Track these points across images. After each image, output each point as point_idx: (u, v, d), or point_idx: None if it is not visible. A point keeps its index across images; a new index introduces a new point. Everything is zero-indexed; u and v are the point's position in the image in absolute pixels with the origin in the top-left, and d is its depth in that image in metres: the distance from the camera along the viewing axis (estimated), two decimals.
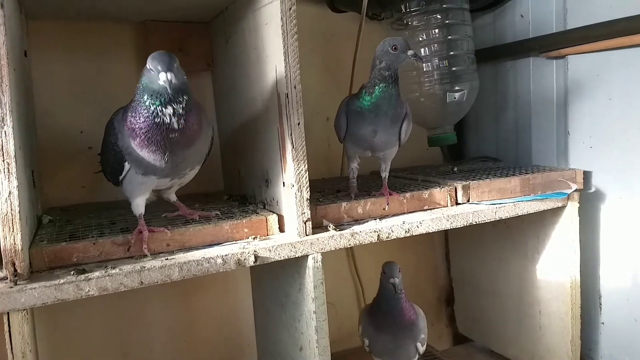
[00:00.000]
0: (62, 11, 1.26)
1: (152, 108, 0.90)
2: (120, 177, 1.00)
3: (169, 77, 0.87)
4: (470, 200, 1.32)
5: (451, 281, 1.95)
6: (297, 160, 1.05)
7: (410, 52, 1.10)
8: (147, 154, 0.94)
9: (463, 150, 1.91)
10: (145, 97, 0.90)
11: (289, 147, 1.05)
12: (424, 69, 1.54)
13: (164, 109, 0.90)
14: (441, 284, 1.97)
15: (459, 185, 1.31)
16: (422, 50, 1.54)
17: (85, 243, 0.95)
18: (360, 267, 1.76)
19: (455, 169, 1.57)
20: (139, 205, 1.02)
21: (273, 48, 1.06)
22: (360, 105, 1.14)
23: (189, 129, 0.93)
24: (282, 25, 1.01)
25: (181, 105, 0.90)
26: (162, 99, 0.89)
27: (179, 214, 1.12)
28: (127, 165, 0.98)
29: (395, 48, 1.10)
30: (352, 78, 1.50)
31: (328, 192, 1.33)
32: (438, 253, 1.96)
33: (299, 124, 1.05)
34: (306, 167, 1.06)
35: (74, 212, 1.28)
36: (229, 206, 1.24)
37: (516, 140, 1.72)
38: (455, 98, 1.54)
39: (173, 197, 1.12)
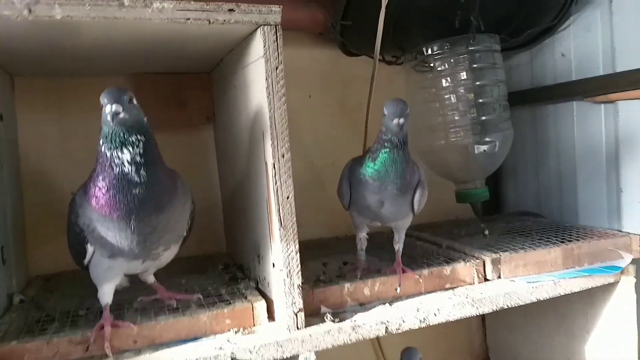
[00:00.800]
0: (48, 69, 1.18)
1: (108, 154, 0.78)
2: (85, 262, 0.88)
3: (113, 108, 0.75)
4: (502, 276, 1.13)
5: (487, 349, 1.73)
6: (287, 240, 0.90)
7: (394, 122, 0.94)
8: (110, 224, 0.81)
9: (499, 202, 1.71)
10: (101, 142, 0.79)
11: (276, 224, 0.90)
12: (449, 117, 1.37)
13: (119, 154, 0.78)
14: (476, 353, 1.75)
15: (488, 259, 1.13)
16: (448, 96, 1.37)
17: (38, 343, 0.83)
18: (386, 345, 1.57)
19: (487, 232, 1.38)
20: (105, 293, 0.89)
21: (259, 111, 0.92)
22: (363, 173, 0.99)
23: (155, 184, 0.81)
24: (267, 87, 0.88)
25: (138, 150, 0.78)
26: (114, 139, 0.77)
27: (156, 298, 0.99)
28: (90, 248, 0.85)
29: (385, 113, 0.95)
30: (365, 128, 1.35)
31: (333, 264, 1.17)
32: (473, 318, 1.74)
33: (288, 197, 0.90)
34: (297, 247, 0.91)
35: (56, 284, 1.17)
36: (219, 282, 1.10)
37: (560, 195, 1.51)
38: (484, 151, 1.35)
39: (151, 279, 0.99)
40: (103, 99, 0.77)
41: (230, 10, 0.84)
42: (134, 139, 0.79)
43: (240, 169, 1.12)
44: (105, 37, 0.89)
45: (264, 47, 0.87)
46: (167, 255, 0.93)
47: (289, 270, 0.90)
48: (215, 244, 1.41)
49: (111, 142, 0.78)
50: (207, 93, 1.33)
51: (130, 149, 0.78)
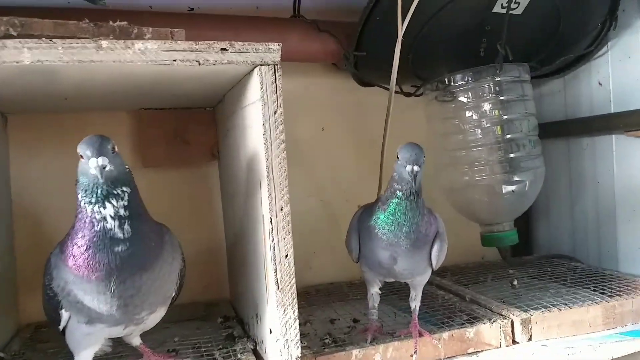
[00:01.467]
0: (43, 106, 1.11)
1: (88, 209, 0.71)
2: (60, 328, 0.79)
3: (100, 162, 0.68)
4: (533, 339, 1.00)
5: None
6: (284, 305, 0.80)
7: (407, 169, 0.83)
8: (87, 287, 0.73)
9: (530, 243, 1.57)
10: (80, 196, 0.72)
11: (272, 286, 0.80)
12: (474, 154, 1.25)
13: (101, 209, 0.70)
14: None
15: (517, 319, 1.00)
16: (472, 130, 1.26)
17: None
18: None
19: (516, 282, 1.24)
20: None
21: (256, 158, 0.83)
22: (372, 225, 0.88)
23: (140, 239, 0.73)
24: (265, 133, 0.79)
25: (122, 203, 0.71)
26: (97, 194, 0.70)
27: None
28: (65, 314, 0.77)
29: (398, 157, 0.85)
30: (381, 166, 1.24)
31: (342, 321, 1.06)
32: None
33: (286, 256, 0.80)
34: (296, 313, 0.81)
35: (46, 334, 1.09)
36: (215, 340, 1.00)
37: (597, 237, 1.37)
38: (513, 191, 1.23)
39: (136, 341, 0.90)
40: (85, 151, 0.70)
41: (223, 49, 0.76)
42: (118, 192, 0.71)
43: (240, 216, 1.03)
44: (88, 80, 0.81)
45: (261, 89, 0.78)
46: (153, 318, 0.83)
47: (287, 340, 0.79)
48: (220, 289, 1.31)
49: (92, 196, 0.71)
50: (211, 129, 1.25)
51: (114, 202, 0.71)
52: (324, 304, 1.20)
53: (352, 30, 1.19)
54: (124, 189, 0.72)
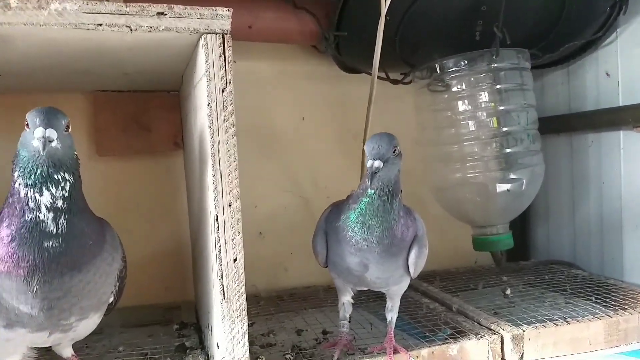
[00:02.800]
0: None
1: (22, 194, 0.62)
2: None
3: (47, 133, 0.60)
4: (525, 357, 0.88)
5: None
6: (230, 318, 0.68)
7: (368, 164, 0.71)
8: (7, 283, 0.62)
9: (526, 247, 1.45)
10: (16, 175, 0.63)
11: (217, 296, 0.68)
12: (467, 148, 1.13)
13: (37, 195, 0.62)
14: None
15: (508, 335, 0.88)
16: (466, 122, 1.14)
17: None
18: None
19: (509, 291, 1.12)
20: None
21: (204, 145, 0.71)
22: (341, 226, 0.76)
23: (75, 236, 0.64)
24: (210, 115, 0.67)
25: (62, 192, 0.63)
26: (35, 174, 0.62)
27: None
28: None
29: (364, 150, 0.73)
30: (362, 160, 1.12)
31: (310, 332, 0.94)
32: None
33: (235, 260, 0.68)
34: (244, 327, 0.69)
35: None
36: (164, 350, 0.89)
37: (600, 243, 1.25)
38: (508, 190, 1.11)
39: (67, 352, 0.78)
40: (33, 119, 0.61)
41: (160, 13, 0.64)
42: (59, 177, 0.63)
43: (197, 212, 0.91)
44: (5, 50, 0.69)
45: (206, 62, 0.66)
46: (85, 325, 0.72)
47: (233, 358, 0.67)
48: (184, 291, 1.20)
49: (30, 176, 0.62)
50: (175, 115, 1.13)
51: (53, 189, 0.62)
52: (295, 312, 1.09)
53: (333, 8, 1.07)
54: (67, 176, 0.63)
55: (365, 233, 0.73)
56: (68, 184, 0.63)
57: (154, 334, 0.99)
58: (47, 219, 0.61)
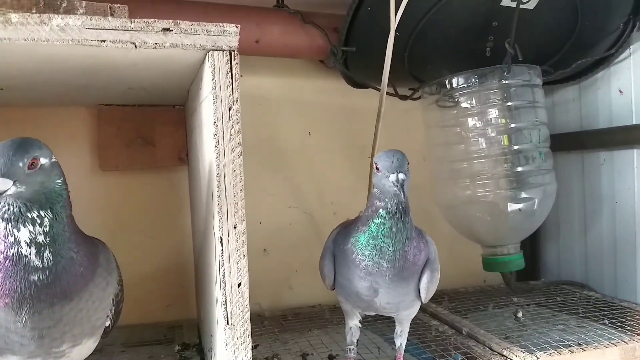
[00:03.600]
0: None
1: (1, 227, 0.59)
2: None
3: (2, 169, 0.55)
4: None
5: None
6: (234, 345, 0.65)
7: (392, 178, 0.68)
8: None
9: (537, 267, 1.42)
10: None
11: (221, 322, 0.65)
12: (477, 166, 1.10)
13: (14, 231, 0.58)
14: None
15: None
16: (476, 140, 1.11)
17: None
18: None
19: (520, 314, 1.09)
20: None
21: (210, 164, 0.69)
22: (350, 249, 0.73)
23: (63, 267, 0.61)
24: (216, 134, 0.65)
25: (41, 229, 0.59)
26: (9, 211, 0.59)
27: None
28: None
29: (377, 168, 0.70)
30: (370, 176, 1.10)
31: (316, 356, 0.91)
32: None
33: (239, 285, 0.66)
34: (249, 355, 0.66)
35: None
36: None
37: (614, 263, 1.22)
38: (520, 210, 1.08)
39: None
40: None
41: (166, 30, 0.62)
42: (34, 216, 0.59)
43: (202, 230, 0.88)
44: (5, 64, 0.68)
45: (213, 79, 0.64)
46: (79, 351, 0.69)
47: None
48: (187, 309, 1.17)
49: (6, 212, 0.59)
50: (180, 130, 1.11)
51: (30, 227, 0.59)
52: (300, 333, 1.06)
53: (341, 23, 1.06)
54: (42, 213, 0.59)
55: (377, 256, 0.70)
56: (46, 219, 0.60)
57: (154, 355, 0.96)
58: (30, 254, 0.58)
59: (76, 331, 0.65)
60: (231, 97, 0.65)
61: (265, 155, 1.26)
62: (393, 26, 0.95)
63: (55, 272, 0.60)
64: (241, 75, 1.24)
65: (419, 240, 0.74)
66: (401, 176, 0.68)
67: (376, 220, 0.71)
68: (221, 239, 0.65)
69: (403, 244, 0.71)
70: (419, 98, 1.22)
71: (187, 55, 0.66)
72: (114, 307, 0.70)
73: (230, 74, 0.64)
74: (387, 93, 1.12)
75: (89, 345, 0.70)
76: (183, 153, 1.12)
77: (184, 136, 1.11)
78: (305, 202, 1.30)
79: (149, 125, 1.10)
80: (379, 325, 1.08)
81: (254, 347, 0.97)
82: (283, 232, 1.28)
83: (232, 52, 0.65)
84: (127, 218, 1.13)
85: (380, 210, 0.71)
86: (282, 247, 1.27)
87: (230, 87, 0.65)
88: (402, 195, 0.68)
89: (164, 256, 1.17)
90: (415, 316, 1.02)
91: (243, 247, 0.66)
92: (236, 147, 0.65)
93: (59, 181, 0.62)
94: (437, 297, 1.23)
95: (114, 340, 1.05)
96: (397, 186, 0.68)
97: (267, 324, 1.12)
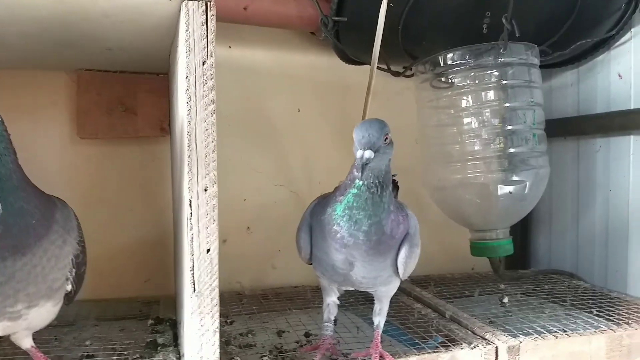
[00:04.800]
0: None
1: None
2: None
3: None
4: None
5: None
6: (200, 313, 0.62)
7: (358, 154, 0.66)
8: None
9: (526, 255, 1.39)
10: None
11: (187, 288, 0.62)
12: (468, 147, 1.07)
13: None
14: None
15: (504, 345, 0.82)
16: (468, 120, 1.07)
17: None
18: None
19: (506, 299, 1.06)
20: None
21: (182, 124, 0.65)
22: (326, 220, 0.70)
23: (14, 218, 0.59)
24: (188, 89, 0.61)
25: None
26: None
27: None
28: None
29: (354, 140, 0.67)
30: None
31: (292, 334, 0.88)
32: None
33: (208, 250, 0.62)
34: (216, 324, 0.63)
35: None
36: (135, 346, 0.83)
37: (605, 253, 1.19)
38: (510, 192, 1.05)
39: (25, 343, 0.72)
40: None
41: None
42: None
43: (176, 200, 0.85)
44: None
45: (187, 31, 0.60)
46: (38, 314, 0.66)
47: (201, 358, 0.62)
48: (165, 285, 1.14)
49: None
50: (163, 99, 1.07)
51: None
52: (279, 312, 1.03)
53: None
54: None
55: (352, 227, 0.67)
56: None
57: (126, 328, 0.94)
58: None
59: (30, 290, 0.63)
60: (205, 50, 0.61)
61: (252, 131, 1.22)
62: None
63: (4, 221, 0.57)
64: (230, 47, 1.22)
65: (397, 213, 0.71)
66: (367, 154, 0.65)
67: (352, 191, 0.68)
68: (190, 201, 0.62)
69: (379, 216, 0.68)
70: (412, 76, 1.18)
71: (161, 4, 0.62)
72: (74, 269, 0.67)
73: (205, 25, 0.61)
74: (379, 69, 1.08)
75: (48, 308, 0.67)
76: (165, 123, 1.08)
77: (167, 106, 1.07)
78: (293, 180, 1.27)
79: (131, 92, 1.06)
80: (360, 306, 1.05)
81: (229, 323, 0.95)
82: (268, 210, 1.24)
83: (208, 3, 0.61)
84: (106, 189, 1.10)
85: (357, 180, 0.68)
86: (266, 226, 1.24)
87: (205, 39, 0.61)
88: (362, 173, 0.65)
89: (143, 230, 1.14)
90: (397, 299, 1.00)
91: (213, 211, 0.63)
92: (209, 104, 0.62)
93: (2, 127, 0.61)
94: (423, 282, 1.20)
95: (87, 313, 1.02)
96: (359, 164, 0.65)
97: (245, 302, 1.09)
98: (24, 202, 0.60)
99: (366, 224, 0.67)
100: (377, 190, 0.67)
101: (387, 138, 0.67)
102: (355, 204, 0.67)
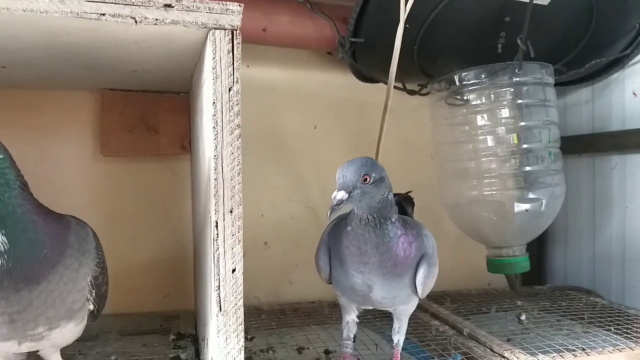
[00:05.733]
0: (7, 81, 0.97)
1: None
2: None
3: None
4: None
5: None
6: (226, 332, 0.63)
7: (333, 194, 0.68)
8: None
9: (543, 271, 1.39)
10: None
11: (214, 308, 0.64)
12: (484, 165, 1.08)
13: None
14: None
15: None
16: (484, 138, 1.09)
17: None
18: None
19: (523, 317, 1.07)
20: None
21: (208, 147, 0.67)
22: (343, 243, 0.71)
23: (25, 249, 0.59)
24: (215, 115, 0.63)
25: None
26: None
27: None
28: None
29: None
30: None
31: (312, 351, 0.90)
32: None
33: (233, 271, 0.64)
34: (241, 343, 0.65)
35: None
36: None
37: (622, 270, 1.19)
38: (527, 210, 1.06)
39: (53, 358, 0.74)
40: None
41: (167, 5, 0.60)
42: None
43: (199, 219, 0.87)
44: (6, 39, 0.67)
45: (213, 59, 0.62)
46: (61, 334, 0.67)
47: None
48: (185, 300, 1.16)
49: None
50: (183, 117, 1.10)
51: None
52: (297, 327, 1.04)
53: (350, 14, 1.04)
54: None
55: (364, 257, 0.69)
56: None
57: (148, 343, 0.95)
58: None
59: (50, 314, 0.64)
60: (232, 77, 0.63)
61: (269, 148, 1.24)
62: (403, 17, 0.93)
63: (13, 256, 0.58)
64: (247, 65, 1.24)
65: (409, 234, 0.72)
66: (340, 195, 0.66)
67: (353, 224, 0.70)
68: (216, 222, 0.63)
69: (388, 245, 0.69)
70: (427, 94, 1.20)
71: (189, 33, 0.64)
72: (94, 290, 0.68)
73: (231, 53, 0.63)
74: (395, 87, 1.10)
75: (70, 328, 0.68)
76: (186, 141, 1.11)
77: (187, 124, 1.10)
78: (309, 196, 1.28)
79: (153, 111, 1.08)
80: (378, 323, 1.06)
81: (250, 339, 0.96)
82: (285, 226, 1.26)
83: (235, 32, 0.63)
84: (127, 205, 1.12)
85: (354, 219, 0.70)
86: (283, 241, 1.26)
87: (232, 67, 0.63)
88: (330, 213, 0.66)
89: (163, 246, 1.16)
90: (415, 315, 1.00)
91: (239, 232, 0.64)
92: (235, 129, 0.64)
93: (3, 155, 0.60)
94: (439, 298, 1.21)
95: (110, 327, 1.04)
96: (331, 205, 0.66)
97: (264, 318, 1.10)
98: (32, 233, 0.60)
99: (376, 254, 0.68)
100: (377, 225, 0.68)
101: (367, 179, 0.67)
102: (361, 237, 0.69)
